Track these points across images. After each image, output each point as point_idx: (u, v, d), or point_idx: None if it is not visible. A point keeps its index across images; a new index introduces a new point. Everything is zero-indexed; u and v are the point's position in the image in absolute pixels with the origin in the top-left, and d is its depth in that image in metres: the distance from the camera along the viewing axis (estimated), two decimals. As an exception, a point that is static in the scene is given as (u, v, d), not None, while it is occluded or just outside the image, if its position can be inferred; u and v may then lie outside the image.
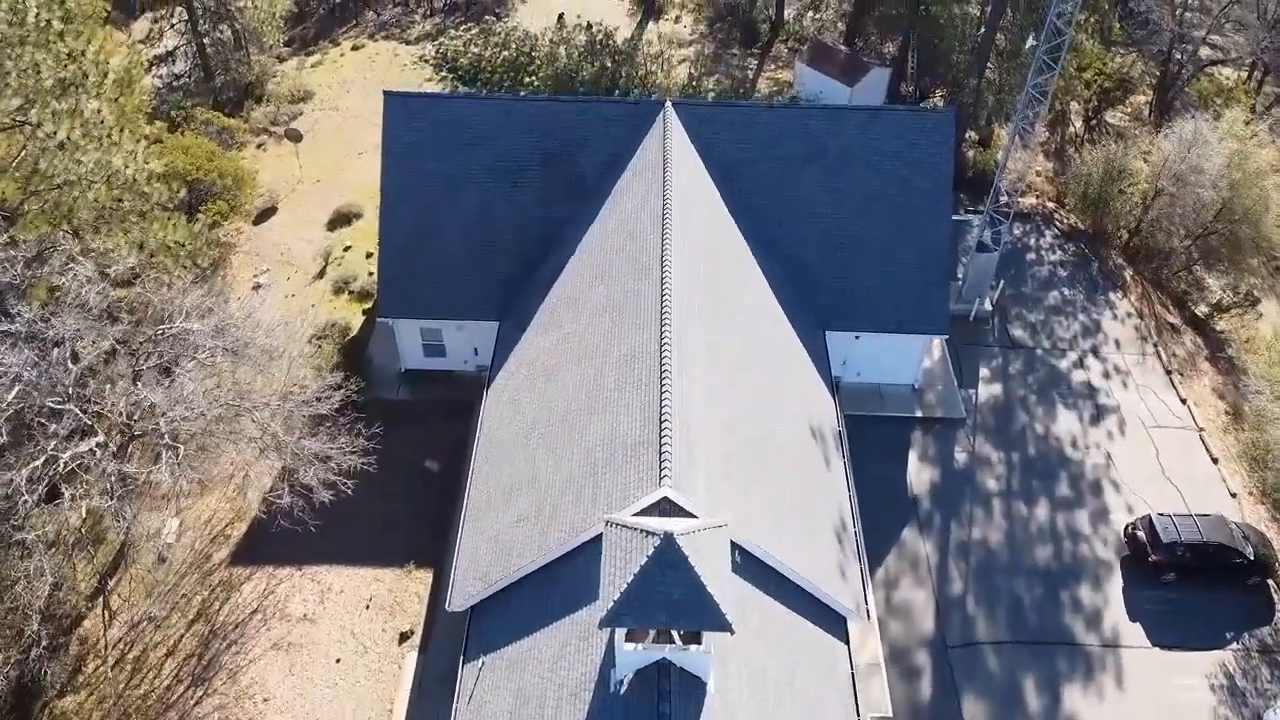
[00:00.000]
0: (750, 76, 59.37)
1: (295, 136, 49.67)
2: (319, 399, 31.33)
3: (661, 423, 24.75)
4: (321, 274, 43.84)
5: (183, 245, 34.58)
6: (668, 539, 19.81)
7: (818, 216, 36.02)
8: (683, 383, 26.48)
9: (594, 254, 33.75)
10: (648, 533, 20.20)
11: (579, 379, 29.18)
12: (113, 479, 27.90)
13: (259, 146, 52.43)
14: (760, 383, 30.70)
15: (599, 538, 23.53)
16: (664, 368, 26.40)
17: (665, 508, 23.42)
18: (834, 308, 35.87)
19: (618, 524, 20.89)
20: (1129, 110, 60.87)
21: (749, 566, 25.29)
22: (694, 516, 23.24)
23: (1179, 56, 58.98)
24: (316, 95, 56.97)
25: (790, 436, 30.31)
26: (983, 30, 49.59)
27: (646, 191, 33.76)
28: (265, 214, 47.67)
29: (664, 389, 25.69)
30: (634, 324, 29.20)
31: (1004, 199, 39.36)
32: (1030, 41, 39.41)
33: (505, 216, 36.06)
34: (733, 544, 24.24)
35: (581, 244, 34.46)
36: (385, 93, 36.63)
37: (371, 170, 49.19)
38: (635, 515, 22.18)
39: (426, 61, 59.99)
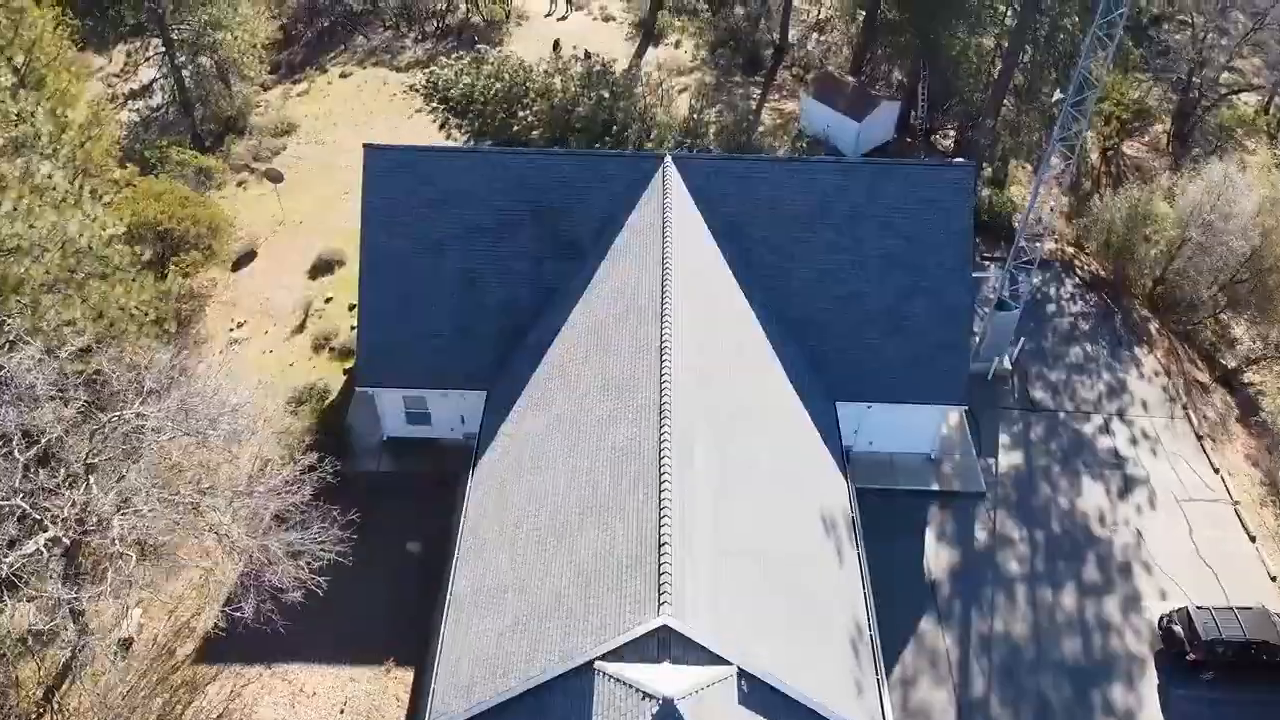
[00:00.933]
0: (754, 106, 57.02)
1: (276, 177, 47.29)
2: (289, 487, 28.88)
3: (660, 540, 22.38)
4: (301, 327, 41.46)
5: (145, 313, 32.16)
6: (667, 706, 17.46)
7: (827, 278, 33.64)
8: (683, 487, 24.11)
9: (588, 323, 31.38)
10: (645, 694, 17.87)
11: (571, 473, 26.79)
12: (61, 579, 25.57)
13: (239, 185, 50.06)
14: (767, 472, 28.31)
15: (591, 665, 21.28)
16: (663, 469, 24.05)
17: (664, 638, 21.14)
18: (845, 377, 33.47)
19: (612, 677, 18.57)
20: (1146, 141, 58.56)
21: (757, 695, 22.84)
22: (696, 645, 21.03)
23: (1198, 83, 56.66)
24: (301, 127, 54.64)
25: (801, 531, 27.92)
26: (998, 64, 47.28)
27: (644, 255, 31.43)
28: (244, 260, 45.30)
29: (663, 497, 23.33)
30: (630, 408, 26.87)
31: (1026, 256, 36.97)
32: (1057, 94, 37.06)
33: (493, 279, 33.68)
34: (740, 671, 21.92)
35: (575, 311, 32.08)
36: (365, 146, 34.28)
37: (357, 213, 47.08)
38: (632, 642, 19.91)
39: (416, 91, 57.72)
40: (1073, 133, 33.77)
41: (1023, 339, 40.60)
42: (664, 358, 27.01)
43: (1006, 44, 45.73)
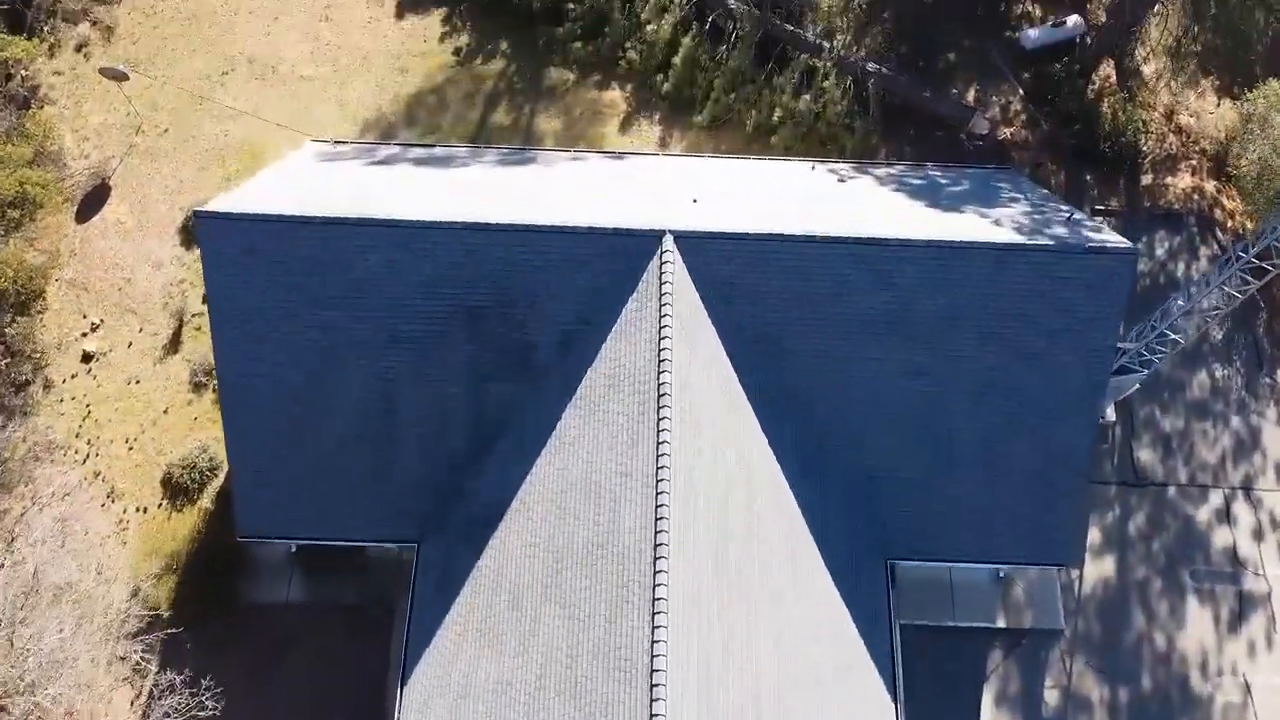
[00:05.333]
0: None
1: (118, 76, 33.37)
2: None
3: None
4: (175, 340, 30.92)
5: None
6: None
7: (897, 407, 23.40)
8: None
9: (553, 485, 21.94)
10: None
11: (544, 659, 19.32)
12: None
13: (79, 50, 35.88)
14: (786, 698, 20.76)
15: None
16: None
17: None
18: (906, 530, 24.45)
19: None
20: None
21: None
22: None
23: None
24: (157, -70, 38.60)
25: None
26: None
27: (633, 389, 21.25)
28: (94, 200, 33.27)
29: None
30: (610, 618, 19.04)
31: (1174, 337, 25.92)
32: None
33: (414, 400, 23.33)
34: None
35: (535, 469, 22.38)
36: (197, 214, 22.03)
37: (239, 113, 34.26)
38: None
39: None
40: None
41: (1137, 383, 30.56)
42: (659, 556, 18.72)
43: None
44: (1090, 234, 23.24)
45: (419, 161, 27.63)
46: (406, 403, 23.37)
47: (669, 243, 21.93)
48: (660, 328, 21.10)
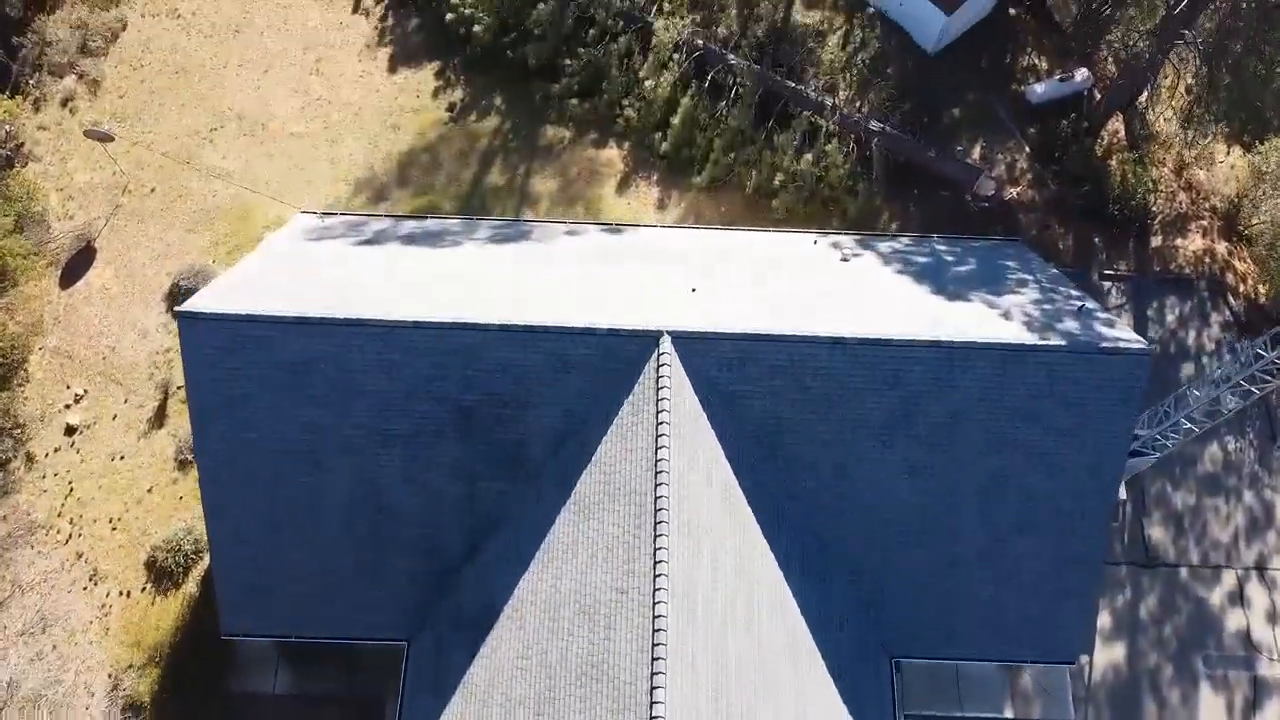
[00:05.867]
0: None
1: (103, 137, 32.56)
2: None
3: None
4: (160, 414, 30.16)
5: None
6: None
7: (903, 506, 22.61)
8: None
9: (546, 596, 21.15)
10: None
11: None
12: None
13: (65, 105, 35.05)
14: None
15: None
16: None
17: None
18: (911, 629, 23.68)
19: None
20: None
21: None
22: None
23: None
24: (145, -22, 37.77)
25: None
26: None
27: (629, 499, 20.46)
28: (79, 264, 32.49)
29: None
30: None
31: (1190, 427, 25.13)
32: None
33: (404, 499, 22.54)
34: None
35: (528, 577, 21.61)
36: (179, 315, 21.23)
37: (226, 171, 33.51)
38: None
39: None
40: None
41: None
42: (656, 674, 17.87)
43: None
44: (1103, 328, 22.44)
45: (409, 238, 26.83)
46: (396, 501, 22.57)
47: (666, 344, 21.13)
48: (657, 436, 20.32)
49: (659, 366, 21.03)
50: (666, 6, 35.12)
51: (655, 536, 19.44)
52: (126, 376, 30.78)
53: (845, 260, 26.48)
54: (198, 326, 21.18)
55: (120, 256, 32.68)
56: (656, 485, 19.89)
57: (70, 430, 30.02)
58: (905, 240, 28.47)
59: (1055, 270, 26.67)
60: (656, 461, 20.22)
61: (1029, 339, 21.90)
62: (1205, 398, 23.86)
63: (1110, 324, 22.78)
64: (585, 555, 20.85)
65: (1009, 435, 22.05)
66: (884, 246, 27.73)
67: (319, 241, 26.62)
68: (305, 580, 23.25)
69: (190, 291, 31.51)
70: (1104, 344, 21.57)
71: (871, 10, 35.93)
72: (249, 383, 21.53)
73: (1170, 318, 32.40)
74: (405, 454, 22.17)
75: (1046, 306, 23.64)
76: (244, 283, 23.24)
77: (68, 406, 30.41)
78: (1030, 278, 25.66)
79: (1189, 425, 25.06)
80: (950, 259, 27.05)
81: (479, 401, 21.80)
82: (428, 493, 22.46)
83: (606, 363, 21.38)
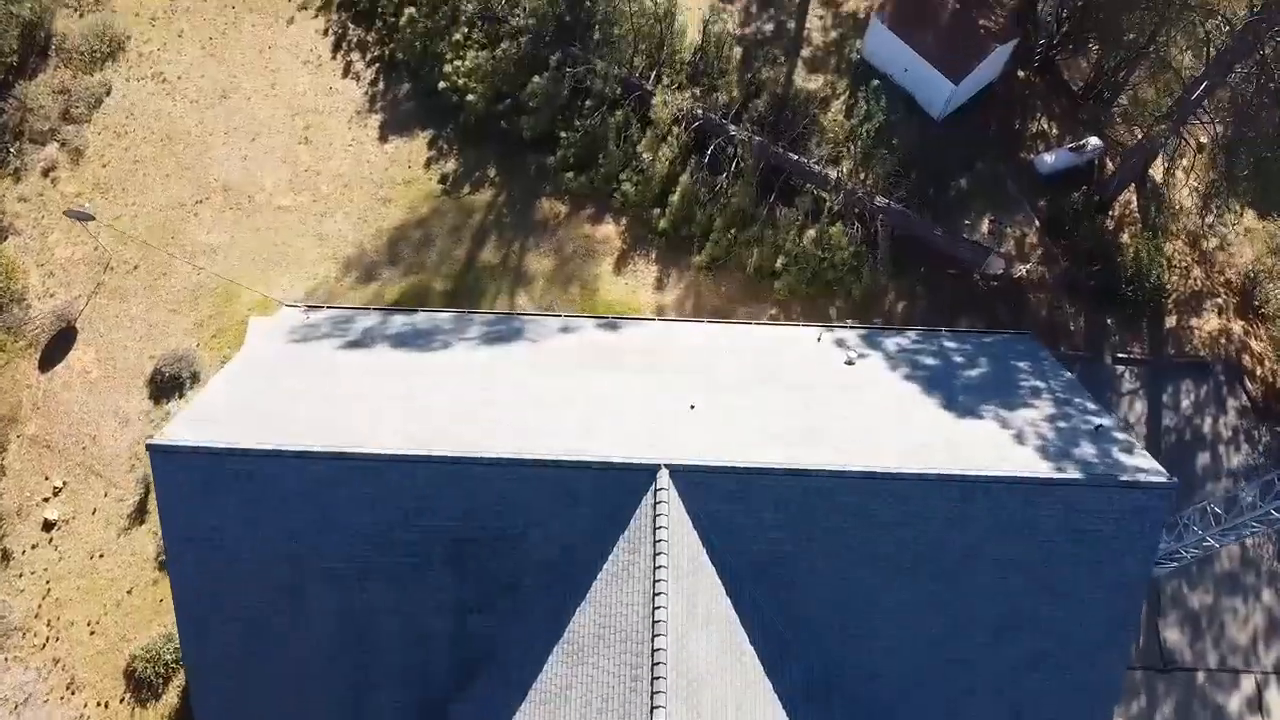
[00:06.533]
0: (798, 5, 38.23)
1: (83, 217, 31.46)
2: None
3: None
4: (141, 509, 29.15)
5: None
6: None
7: (908, 641, 21.60)
8: None
9: None
10: None
11: None
12: None
13: (46, 175, 33.97)
14: None
15: None
16: None
17: None
18: (919, 761, 22.76)
19: None
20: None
21: None
22: None
23: None
24: (132, 41, 36.66)
25: None
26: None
27: (625, 646, 19.46)
28: (59, 345, 31.47)
29: None
30: None
31: (1208, 546, 24.13)
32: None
33: (389, 633, 21.53)
34: None
35: (521, 716, 20.60)
36: (150, 448, 20.18)
37: (211, 249, 32.50)
38: None
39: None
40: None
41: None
42: None
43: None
44: (1121, 455, 21.43)
45: (399, 339, 25.81)
46: (382, 635, 21.54)
47: (664, 480, 20.13)
48: (655, 581, 19.33)
49: (656, 504, 20.02)
50: (666, 77, 34.09)
51: (653, 694, 18.45)
52: (107, 468, 29.79)
53: (850, 364, 25.46)
54: (172, 460, 20.17)
55: (102, 338, 31.69)
56: (654, 636, 18.89)
57: (49, 525, 29.06)
58: (912, 335, 27.44)
59: (1069, 375, 25.65)
60: (654, 610, 19.22)
61: (1045, 469, 20.89)
62: (1231, 523, 22.85)
63: (1129, 448, 21.76)
64: (579, 701, 19.85)
65: (1024, 568, 21.03)
66: (890, 344, 26.71)
67: (304, 343, 25.60)
68: (286, 712, 22.27)
69: (172, 379, 30.75)
70: (1124, 477, 20.55)
71: (876, 82, 34.79)
72: (225, 516, 20.54)
73: (1185, 404, 31.39)
74: (391, 586, 21.15)
75: (1062, 425, 22.63)
76: (222, 402, 22.23)
77: (46, 500, 29.44)
78: (1043, 385, 24.66)
79: (1211, 543, 24.08)
80: (960, 360, 26.04)
81: (469, 534, 20.78)
82: (414, 625, 21.44)
83: (603, 496, 20.36)
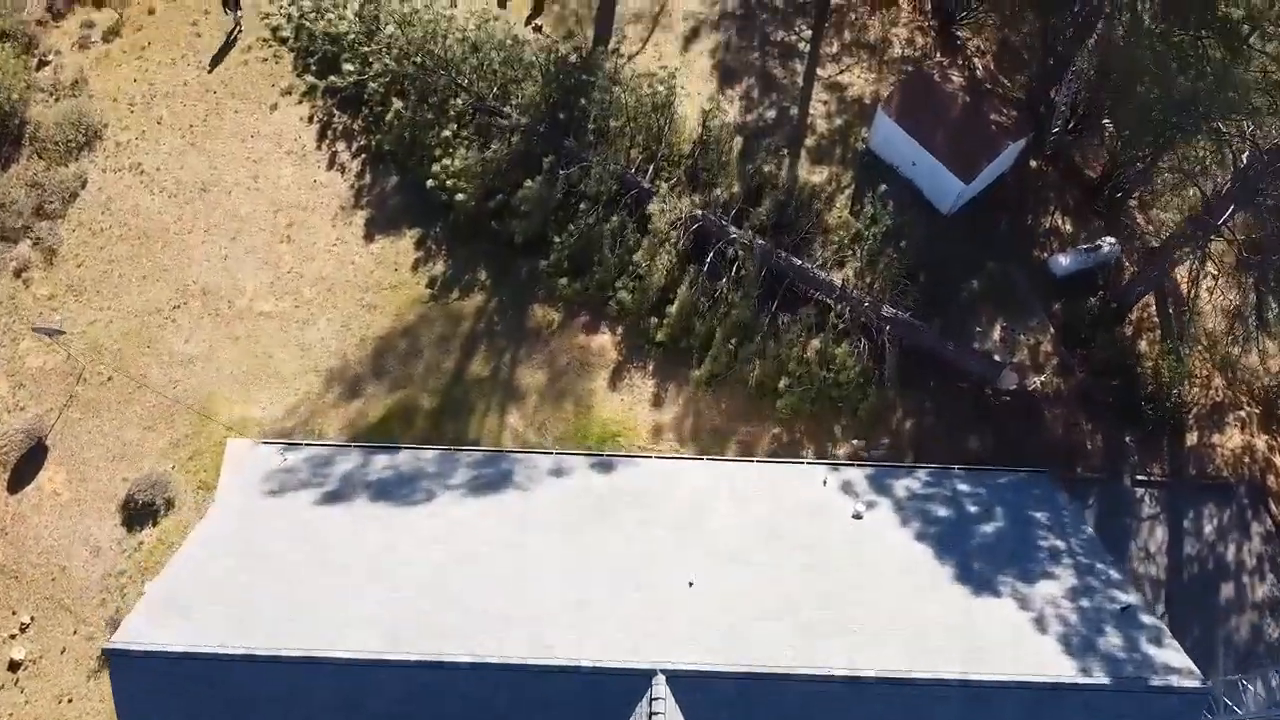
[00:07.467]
0: (801, 79, 36.79)
1: (51, 332, 30.09)
2: None
3: None
4: (112, 649, 27.81)
5: None
6: None
7: (923, 841, 20.27)
8: None
9: None
10: None
11: None
12: None
13: (18, 275, 32.57)
14: None
15: None
16: None
17: None
18: None
19: None
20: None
21: None
22: None
23: None
24: (109, 129, 35.15)
25: None
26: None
27: None
28: (28, 464, 30.02)
29: None
30: None
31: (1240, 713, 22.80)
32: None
33: (367, 834, 20.24)
34: None
35: None
36: (107, 652, 18.85)
37: (188, 360, 31.06)
38: None
39: (280, 39, 36.62)
40: None
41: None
42: None
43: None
44: (1150, 648, 20.05)
45: (380, 490, 24.42)
46: (357, 836, 20.23)
47: (661, 686, 18.74)
48: (649, 797, 18.01)
49: (651, 714, 18.65)
50: (664, 173, 32.64)
51: None
52: (76, 602, 28.40)
53: (858, 517, 24.06)
54: (130, 666, 18.81)
55: (73, 456, 30.26)
56: None
57: (14, 666, 27.67)
58: (923, 477, 26.05)
59: (1089, 531, 24.29)
60: (650, 825, 17.91)
61: (1069, 668, 19.50)
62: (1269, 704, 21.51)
63: (1157, 638, 20.38)
64: None
65: (1045, 773, 19.69)
66: (900, 488, 25.33)
67: (280, 497, 24.21)
68: None
69: (146, 506, 29.36)
70: (1154, 681, 19.17)
71: (884, 187, 33.31)
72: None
73: (1208, 529, 29.98)
74: (367, 790, 19.83)
75: (1085, 604, 21.25)
76: (189, 578, 20.86)
77: (12, 637, 28.04)
78: (1063, 545, 23.27)
79: (1241, 715, 22.74)
80: (973, 510, 24.64)
81: (449, 737, 19.45)
82: (393, 829, 20.10)
83: (594, 701, 18.99)
